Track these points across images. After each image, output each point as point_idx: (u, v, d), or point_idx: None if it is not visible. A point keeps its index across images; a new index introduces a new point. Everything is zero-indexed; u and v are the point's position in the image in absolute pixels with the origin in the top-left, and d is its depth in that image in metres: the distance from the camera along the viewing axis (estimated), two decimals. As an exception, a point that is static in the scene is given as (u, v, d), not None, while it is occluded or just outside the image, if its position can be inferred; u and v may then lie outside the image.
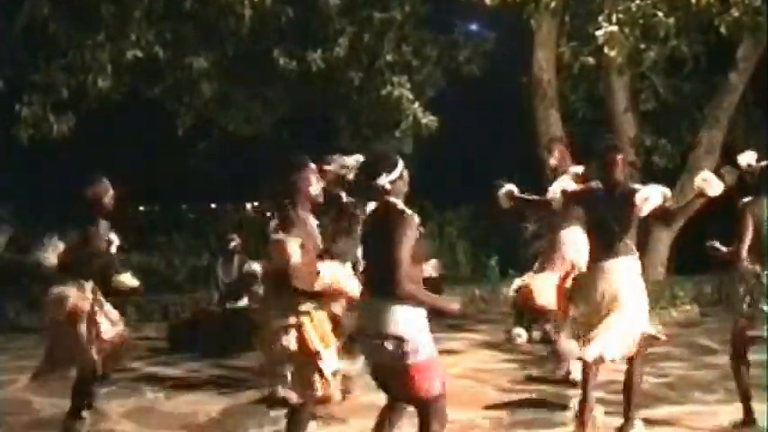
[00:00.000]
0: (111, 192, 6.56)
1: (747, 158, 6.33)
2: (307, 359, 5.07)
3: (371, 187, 4.75)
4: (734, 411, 6.67)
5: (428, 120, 12.46)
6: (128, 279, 6.95)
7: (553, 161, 7.94)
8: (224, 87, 13.03)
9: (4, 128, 11.93)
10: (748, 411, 6.29)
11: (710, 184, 5.88)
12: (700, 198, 6.06)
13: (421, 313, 4.64)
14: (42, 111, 11.82)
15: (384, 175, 4.70)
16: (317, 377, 5.10)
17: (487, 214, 8.38)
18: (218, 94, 12.97)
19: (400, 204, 4.72)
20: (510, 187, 6.71)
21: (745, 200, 6.15)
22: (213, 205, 18.12)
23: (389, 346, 4.58)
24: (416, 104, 12.45)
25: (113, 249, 6.79)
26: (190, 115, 13.24)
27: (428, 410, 4.68)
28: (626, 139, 12.49)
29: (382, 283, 4.57)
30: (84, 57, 11.61)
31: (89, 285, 6.54)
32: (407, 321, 4.59)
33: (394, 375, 4.68)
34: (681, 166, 12.65)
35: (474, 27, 14.04)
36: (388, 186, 4.72)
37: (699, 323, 11.26)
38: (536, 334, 9.48)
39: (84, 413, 6.59)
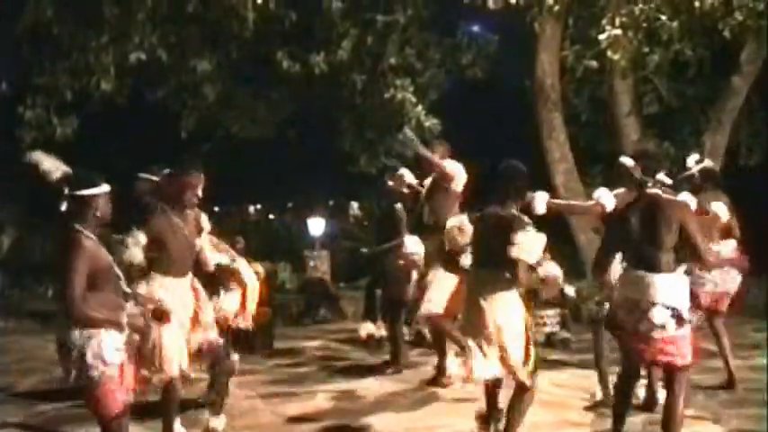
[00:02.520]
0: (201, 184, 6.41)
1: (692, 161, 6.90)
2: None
3: (647, 182, 5.46)
4: (736, 415, 6.68)
5: (431, 123, 12.46)
6: None
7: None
8: (227, 90, 13.05)
9: (8, 130, 11.95)
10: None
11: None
12: None
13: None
14: (46, 113, 11.85)
15: (662, 172, 5.53)
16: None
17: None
18: (221, 97, 12.98)
19: (666, 195, 5.50)
20: (544, 194, 6.55)
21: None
22: (216, 208, 18.12)
23: (659, 314, 5.25)
24: (419, 107, 12.45)
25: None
26: (193, 118, 13.25)
27: (680, 378, 5.36)
28: (629, 143, 12.49)
29: (654, 258, 5.31)
30: (88, 59, 11.63)
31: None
32: (681, 294, 5.34)
33: (655, 342, 5.31)
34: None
35: (477, 30, 14.03)
36: (667, 181, 5.60)
37: (702, 327, 11.21)
38: None
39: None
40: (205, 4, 11.79)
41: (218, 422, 6.25)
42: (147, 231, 6.00)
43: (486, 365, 5.65)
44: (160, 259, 6.02)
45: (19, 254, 14.80)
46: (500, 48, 13.65)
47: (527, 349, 5.71)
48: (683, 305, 5.32)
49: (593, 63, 11.60)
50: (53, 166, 4.84)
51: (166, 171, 6.50)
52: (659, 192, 5.47)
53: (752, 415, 6.73)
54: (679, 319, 5.27)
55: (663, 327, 5.23)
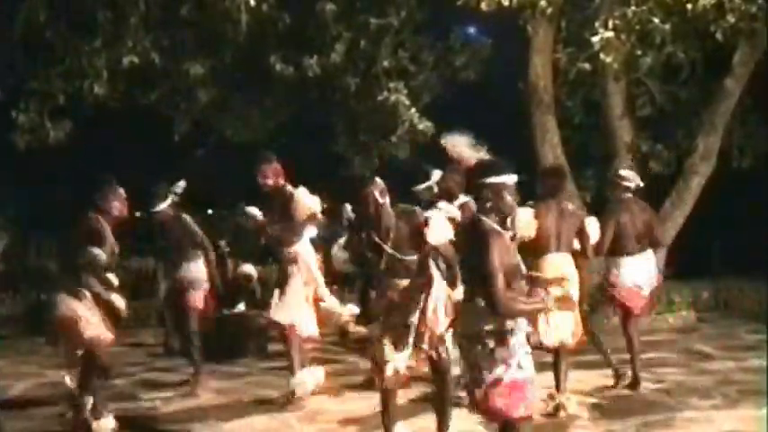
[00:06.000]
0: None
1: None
2: None
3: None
4: (731, 417, 6.69)
5: (424, 125, 12.46)
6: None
7: (270, 181, 7.85)
8: (221, 93, 13.03)
9: (0, 134, 11.94)
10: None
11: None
12: None
13: None
14: (39, 117, 11.83)
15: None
16: None
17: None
18: (214, 101, 12.96)
19: None
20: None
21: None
22: (210, 211, 18.07)
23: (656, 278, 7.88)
24: (413, 110, 12.44)
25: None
26: (186, 121, 13.23)
27: (637, 321, 7.96)
28: (622, 145, 12.51)
29: (650, 241, 7.81)
30: (81, 63, 11.61)
31: None
32: None
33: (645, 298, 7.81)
34: (677, 171, 12.67)
35: (470, 33, 14.03)
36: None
37: (695, 329, 11.27)
38: None
39: None
40: (198, 7, 11.79)
41: None
42: None
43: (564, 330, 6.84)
44: None
45: (14, 258, 14.77)
46: (493, 50, 13.65)
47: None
48: None
49: (586, 65, 11.61)
50: (470, 152, 4.89)
51: None
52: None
53: (745, 416, 6.74)
54: None
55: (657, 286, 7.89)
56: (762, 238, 12.15)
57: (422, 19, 12.92)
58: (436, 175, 7.41)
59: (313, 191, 7.93)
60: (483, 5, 10.34)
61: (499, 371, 4.42)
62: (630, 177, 7.87)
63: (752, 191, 12.89)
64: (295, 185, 7.84)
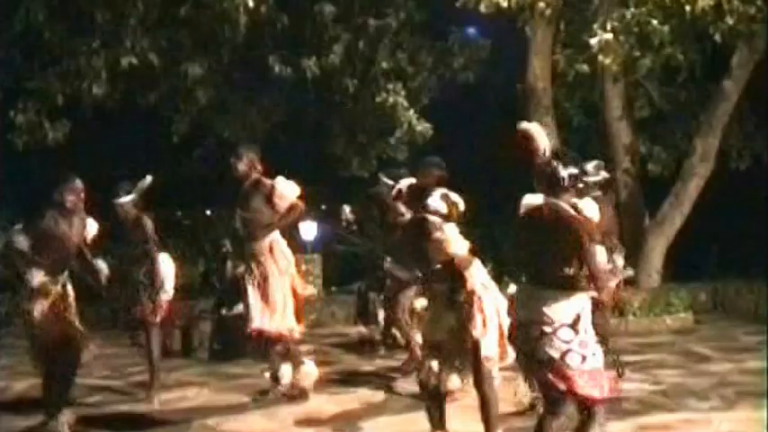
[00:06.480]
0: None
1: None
2: None
3: None
4: (728, 419, 6.69)
5: (422, 127, 12.47)
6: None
7: (242, 167, 7.83)
8: (219, 94, 13.03)
9: (-1, 135, 11.95)
10: None
11: None
12: None
13: None
14: (37, 117, 11.83)
15: None
16: None
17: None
18: (213, 101, 12.96)
19: None
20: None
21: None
22: (208, 212, 18.06)
23: None
24: (411, 112, 12.46)
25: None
26: (185, 122, 13.22)
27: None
28: (621, 147, 12.52)
29: None
30: (80, 63, 11.61)
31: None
32: None
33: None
34: (675, 173, 12.68)
35: (469, 34, 14.03)
36: None
37: (693, 330, 11.26)
38: None
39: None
40: (197, 8, 11.79)
41: None
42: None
43: None
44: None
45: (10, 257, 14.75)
46: (492, 52, 13.64)
47: None
48: None
49: (585, 67, 11.62)
50: (546, 141, 5.06)
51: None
52: None
53: (743, 418, 6.74)
54: None
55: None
56: (760, 240, 12.16)
57: (420, 20, 12.94)
58: (405, 179, 7.23)
59: (312, 191, 7.90)
60: (482, 7, 10.35)
61: (574, 357, 4.53)
62: (595, 173, 7.85)
63: (750, 193, 12.90)
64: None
